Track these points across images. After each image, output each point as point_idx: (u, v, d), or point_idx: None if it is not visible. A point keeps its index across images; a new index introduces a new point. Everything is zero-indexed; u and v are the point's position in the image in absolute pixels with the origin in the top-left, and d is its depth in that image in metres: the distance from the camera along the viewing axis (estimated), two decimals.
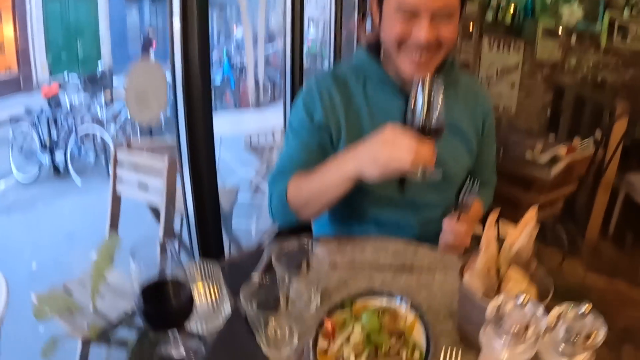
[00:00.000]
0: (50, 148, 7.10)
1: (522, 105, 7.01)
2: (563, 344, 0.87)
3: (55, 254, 4.71)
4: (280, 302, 1.16)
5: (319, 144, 1.68)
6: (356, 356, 1.03)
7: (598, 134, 3.14)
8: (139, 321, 1.17)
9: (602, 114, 5.06)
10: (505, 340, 0.87)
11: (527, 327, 0.86)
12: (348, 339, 1.07)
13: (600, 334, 0.86)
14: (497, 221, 2.14)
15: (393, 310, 1.17)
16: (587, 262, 4.08)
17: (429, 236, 1.71)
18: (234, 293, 1.22)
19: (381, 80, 1.69)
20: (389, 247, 1.60)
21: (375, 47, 1.72)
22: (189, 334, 1.19)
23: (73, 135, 7.09)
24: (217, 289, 1.22)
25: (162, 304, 1.05)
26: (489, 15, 6.51)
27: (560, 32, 6.31)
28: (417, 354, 1.06)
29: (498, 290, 1.12)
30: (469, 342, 1.13)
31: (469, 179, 1.64)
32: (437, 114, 1.33)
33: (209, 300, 1.22)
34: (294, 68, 3.43)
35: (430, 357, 1.04)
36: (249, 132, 5.21)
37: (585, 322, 0.86)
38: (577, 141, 3.10)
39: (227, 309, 1.25)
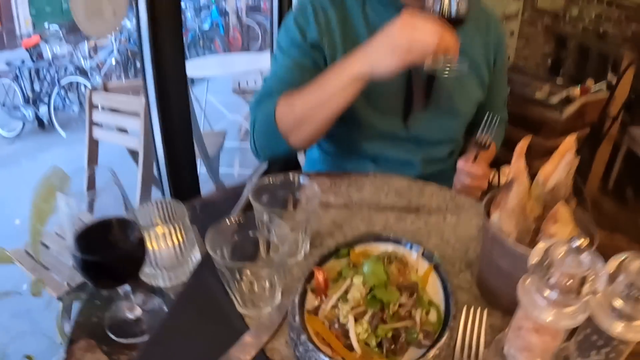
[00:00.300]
0: (34, 101, 6.88)
1: (521, 54, 6.81)
2: (622, 302, 0.65)
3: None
4: (260, 249, 0.93)
5: (313, 63, 1.48)
6: (356, 318, 0.79)
7: (611, 77, 2.92)
8: None
9: (606, 65, 4.85)
10: (553, 296, 0.65)
11: (583, 281, 0.63)
12: (345, 296, 0.83)
13: None
14: (498, 169, 1.99)
15: (401, 259, 0.93)
16: None
17: (433, 177, 1.54)
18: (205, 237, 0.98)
19: (382, 0, 1.51)
20: (391, 185, 1.38)
21: None
22: (148, 288, 0.99)
23: (56, 87, 6.86)
24: (182, 232, 0.98)
25: (104, 253, 0.82)
26: None
27: None
28: (433, 315, 0.83)
29: (534, 236, 0.89)
30: (494, 300, 0.94)
31: (487, 113, 1.43)
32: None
33: (173, 247, 0.98)
34: (282, 10, 3.21)
35: (452, 320, 0.81)
36: (237, 74, 5.00)
37: None
38: (590, 82, 2.88)
39: (195, 257, 1.03)
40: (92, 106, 2.99)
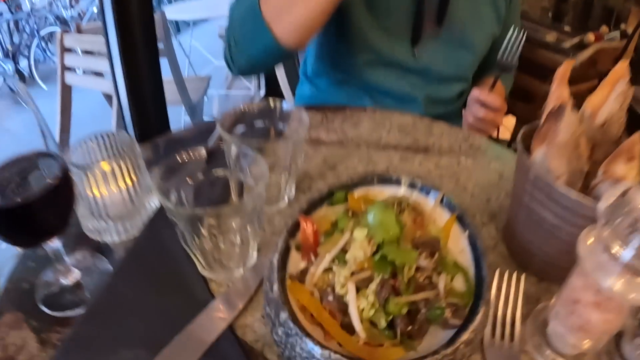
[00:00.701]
0: (13, 55, 6.70)
1: (521, 8, 6.62)
2: None
3: None
4: (231, 192, 0.72)
5: None
6: (358, 288, 0.57)
7: (625, 26, 2.75)
8: None
9: (610, 20, 4.69)
10: (628, 258, 0.49)
11: None
12: (343, 256, 0.60)
13: None
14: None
15: (414, 207, 0.71)
16: None
17: (436, 115, 1.36)
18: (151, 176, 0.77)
19: None
20: (394, 121, 1.19)
21: None
22: (92, 247, 0.80)
23: (36, 39, 6.70)
24: (134, 172, 0.77)
25: (17, 198, 0.61)
26: None
27: None
28: (460, 282, 0.62)
29: (586, 180, 0.69)
30: (529, 261, 0.75)
31: (513, 27, 1.26)
32: None
33: (123, 191, 0.78)
34: None
35: (486, 291, 0.58)
36: (224, 17, 4.80)
37: None
38: (605, 28, 2.71)
39: (152, 204, 0.82)
40: (64, 49, 2.77)
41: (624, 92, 0.73)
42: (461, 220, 0.68)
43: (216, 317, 0.64)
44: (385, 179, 0.75)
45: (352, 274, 0.58)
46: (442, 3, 1.35)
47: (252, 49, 1.15)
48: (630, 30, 3.28)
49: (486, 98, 1.29)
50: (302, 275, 0.62)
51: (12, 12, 6.79)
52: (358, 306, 0.55)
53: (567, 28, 3.13)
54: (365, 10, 1.31)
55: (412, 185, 0.74)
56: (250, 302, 0.67)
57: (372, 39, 1.34)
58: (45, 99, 5.81)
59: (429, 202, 0.72)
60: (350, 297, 0.56)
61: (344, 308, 0.56)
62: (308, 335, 0.52)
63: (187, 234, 0.64)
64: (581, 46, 2.68)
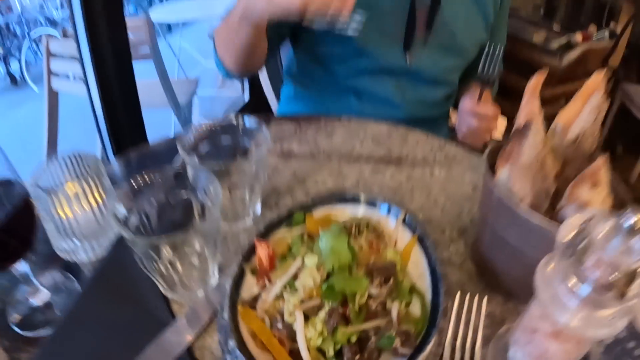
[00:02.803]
0: (4, 57, 6.73)
1: (512, 3, 6.66)
2: None
3: (15, 166, 4.53)
4: (194, 212, 0.71)
5: None
6: (307, 316, 0.57)
7: (614, 25, 2.77)
8: None
9: (602, 15, 4.73)
10: (585, 293, 0.48)
11: (633, 275, 0.46)
12: (293, 282, 0.60)
13: None
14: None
15: (374, 227, 0.71)
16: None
17: (421, 122, 1.45)
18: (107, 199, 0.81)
19: None
20: (368, 131, 1.20)
21: None
22: (63, 267, 0.81)
23: (27, 41, 6.68)
24: (101, 191, 0.78)
25: None
26: None
27: None
28: (416, 307, 0.61)
29: (553, 200, 0.68)
30: (494, 280, 0.75)
31: (489, 43, 1.28)
32: None
33: (90, 211, 0.78)
34: None
35: (441, 318, 0.58)
36: (215, 17, 4.83)
37: None
38: (593, 28, 2.73)
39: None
40: (50, 54, 2.78)
41: (599, 105, 0.71)
42: (422, 242, 0.67)
43: (175, 339, 0.63)
44: (346, 198, 0.75)
45: (302, 301, 0.57)
46: (432, 9, 1.39)
47: (222, 70, 1.34)
48: (619, 30, 3.31)
49: (477, 109, 1.31)
50: (254, 301, 0.61)
51: (2, 14, 6.83)
52: (306, 335, 0.55)
53: (556, 26, 3.17)
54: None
55: (371, 204, 0.73)
56: (212, 323, 0.66)
57: (364, 44, 1.38)
58: (37, 101, 5.84)
59: (391, 222, 0.71)
60: (298, 326, 0.56)
61: (293, 335, 0.56)
62: None
63: (144, 259, 0.64)
64: (569, 46, 2.71)
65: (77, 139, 2.78)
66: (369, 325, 0.56)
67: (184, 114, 3.46)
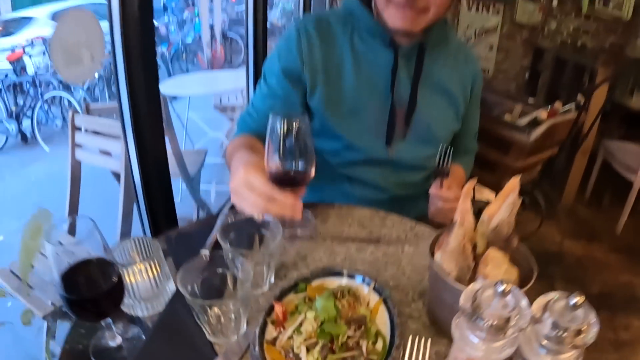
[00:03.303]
0: (17, 115, 6.89)
1: (501, 67, 6.98)
2: (547, 340, 0.74)
3: (22, 223, 4.55)
4: (228, 282, 1.02)
5: (287, 93, 1.61)
6: (308, 349, 0.88)
7: (581, 97, 3.05)
8: None
9: (583, 77, 5.02)
10: (482, 334, 0.74)
11: (508, 320, 0.72)
12: (300, 328, 0.92)
13: (591, 332, 0.72)
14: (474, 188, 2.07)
15: (354, 292, 1.03)
16: (564, 227, 4.13)
17: (403, 198, 1.72)
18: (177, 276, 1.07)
19: (371, 30, 1.60)
20: (355, 216, 1.47)
21: None
22: (127, 318, 1.07)
23: (39, 102, 6.91)
24: (158, 266, 1.07)
25: (87, 291, 0.91)
26: None
27: None
28: (379, 345, 0.92)
29: (474, 273, 0.99)
30: (441, 328, 1.02)
31: (441, 145, 1.54)
32: (302, 160, 1.21)
33: (149, 280, 1.07)
34: (257, 28, 3.31)
35: (395, 350, 0.90)
36: (219, 92, 5.10)
37: (576, 314, 0.73)
38: (559, 104, 3.01)
39: (170, 288, 1.11)
40: (75, 128, 3.04)
41: (513, 202, 1.02)
42: (386, 302, 1.00)
43: None
44: (334, 273, 1.08)
45: (305, 340, 0.89)
46: (409, 109, 1.61)
47: None
48: (601, 96, 3.58)
49: (441, 194, 1.50)
50: (274, 340, 0.93)
51: (17, 75, 7.01)
52: None
53: (531, 100, 3.38)
54: (346, 120, 1.59)
55: (351, 277, 1.06)
56: (242, 358, 0.95)
57: (353, 141, 1.61)
58: (47, 161, 6.01)
59: (365, 289, 1.04)
60: (303, 355, 0.87)
61: None
62: None
63: (198, 313, 0.94)
64: (536, 123, 2.96)
65: (91, 202, 3.11)
66: (347, 354, 0.88)
67: (193, 184, 3.68)
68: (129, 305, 1.05)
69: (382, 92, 1.61)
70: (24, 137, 6.98)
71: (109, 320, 0.98)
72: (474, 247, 1.01)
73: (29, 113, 6.92)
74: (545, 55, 6.24)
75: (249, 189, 1.14)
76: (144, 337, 1.02)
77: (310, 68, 1.58)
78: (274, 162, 1.18)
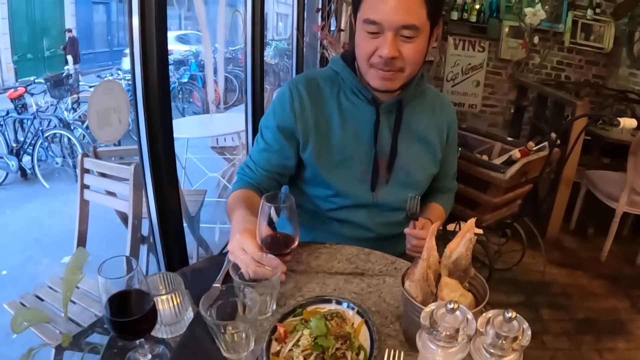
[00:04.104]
0: (17, 152, 6.98)
1: (487, 102, 7.21)
2: (492, 347, 0.94)
3: (23, 258, 4.74)
4: (238, 309, 1.25)
5: (280, 147, 1.80)
6: (304, 358, 1.11)
7: (554, 135, 3.25)
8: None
9: (564, 111, 5.24)
10: (440, 343, 0.95)
11: (457, 331, 0.94)
12: (298, 343, 1.15)
13: (526, 337, 0.93)
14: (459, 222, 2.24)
15: (340, 315, 1.26)
16: (550, 257, 4.28)
17: (387, 237, 1.91)
18: (195, 298, 1.32)
19: (355, 89, 1.77)
20: (343, 253, 1.69)
21: (351, 57, 1.76)
22: (155, 339, 1.27)
23: (40, 139, 6.98)
24: (180, 297, 1.30)
25: (128, 315, 1.13)
26: (454, 15, 6.69)
27: (524, 31, 6.52)
28: (361, 356, 1.15)
29: (436, 297, 1.21)
30: (413, 344, 1.20)
31: (410, 194, 1.70)
32: (289, 232, 1.48)
33: (172, 308, 1.30)
34: (254, 72, 3.51)
35: (373, 359, 1.14)
36: (216, 134, 5.27)
37: (512, 325, 0.93)
38: (532, 144, 3.20)
39: (189, 314, 1.34)
40: (84, 170, 3.22)
41: (469, 240, 1.26)
42: (367, 323, 1.25)
43: None
44: (325, 300, 1.34)
45: (302, 351, 1.13)
46: (391, 157, 1.79)
47: None
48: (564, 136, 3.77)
49: (415, 233, 1.65)
50: (278, 353, 1.17)
51: (18, 112, 7.08)
52: None
53: (509, 139, 3.57)
54: (335, 171, 1.77)
55: (339, 303, 1.31)
56: None
57: (341, 188, 1.79)
58: (47, 198, 6.17)
59: (350, 312, 1.29)
60: None
61: None
62: None
63: (216, 333, 1.17)
64: (510, 162, 3.14)
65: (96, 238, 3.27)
66: None
67: (193, 223, 3.84)
68: (154, 328, 1.25)
69: (367, 144, 1.78)
70: (23, 173, 7.06)
71: (142, 339, 1.21)
72: (439, 276, 1.25)
73: (29, 150, 7.00)
74: (529, 91, 6.46)
75: (242, 252, 1.37)
76: (168, 354, 1.24)
77: (303, 125, 1.76)
78: (263, 232, 1.44)
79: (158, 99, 1.97)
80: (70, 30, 15.29)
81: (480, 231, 3.23)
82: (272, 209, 1.42)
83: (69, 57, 13.36)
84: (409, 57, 1.60)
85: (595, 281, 4.12)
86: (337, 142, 1.78)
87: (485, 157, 3.26)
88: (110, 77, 9.26)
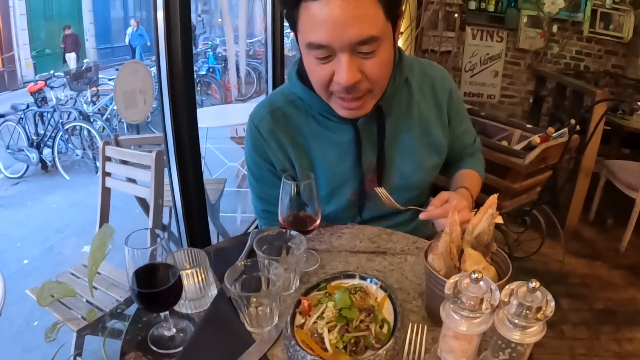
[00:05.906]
0: (37, 144, 7.11)
1: (505, 93, 7.18)
2: (516, 317, 0.93)
3: (45, 248, 4.82)
4: (262, 284, 1.26)
5: (271, 175, 1.72)
6: (329, 330, 1.12)
7: (573, 121, 3.23)
8: (129, 311, 1.25)
9: (583, 101, 5.20)
10: (464, 312, 0.95)
11: (481, 301, 0.94)
12: (322, 315, 1.16)
13: (549, 307, 0.92)
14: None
15: (364, 289, 1.26)
16: (568, 247, 4.24)
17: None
18: (219, 276, 1.34)
19: (324, 113, 1.59)
20: (365, 233, 1.70)
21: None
22: (179, 314, 1.30)
23: (60, 131, 7.11)
24: (204, 273, 1.31)
25: (155, 287, 1.14)
26: (472, 5, 6.65)
27: (543, 21, 6.46)
28: (385, 328, 1.16)
29: (459, 271, 1.22)
30: (435, 319, 1.23)
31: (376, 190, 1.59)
32: (310, 208, 1.48)
33: (196, 284, 1.31)
34: (275, 62, 3.50)
35: (397, 331, 1.14)
36: (234, 123, 5.29)
37: (536, 296, 0.92)
38: (551, 129, 3.19)
39: (213, 291, 1.36)
40: (105, 158, 3.28)
41: (492, 215, 1.25)
42: (390, 297, 1.25)
43: (256, 352, 1.16)
44: (349, 275, 1.34)
45: (327, 323, 1.13)
46: (379, 169, 1.67)
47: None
48: (593, 122, 3.73)
49: (430, 215, 1.48)
50: (302, 325, 1.18)
51: (38, 106, 7.22)
52: (329, 338, 1.11)
53: (529, 127, 3.56)
54: (325, 206, 1.69)
55: (362, 278, 1.32)
56: (275, 343, 1.19)
57: (333, 218, 1.76)
58: (67, 189, 6.26)
59: (373, 287, 1.29)
60: (325, 334, 1.12)
61: (322, 340, 1.11)
62: (306, 351, 1.07)
63: (241, 306, 1.18)
64: (530, 147, 3.13)
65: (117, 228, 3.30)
66: (360, 334, 1.12)
67: (214, 211, 3.89)
68: (178, 303, 1.28)
69: (354, 167, 1.65)
70: (44, 166, 7.20)
71: (167, 313, 1.22)
72: (462, 251, 1.25)
73: (49, 142, 7.11)
74: (547, 81, 6.41)
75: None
76: (192, 328, 1.26)
77: (286, 160, 1.65)
78: (285, 210, 1.46)
79: (183, 89, 2.01)
80: (68, 27, 15.26)
81: (501, 220, 3.21)
82: (293, 186, 1.42)
83: (72, 55, 13.51)
84: (373, 76, 1.38)
85: (615, 272, 4.08)
86: (322, 175, 1.66)
87: (505, 144, 3.26)
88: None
